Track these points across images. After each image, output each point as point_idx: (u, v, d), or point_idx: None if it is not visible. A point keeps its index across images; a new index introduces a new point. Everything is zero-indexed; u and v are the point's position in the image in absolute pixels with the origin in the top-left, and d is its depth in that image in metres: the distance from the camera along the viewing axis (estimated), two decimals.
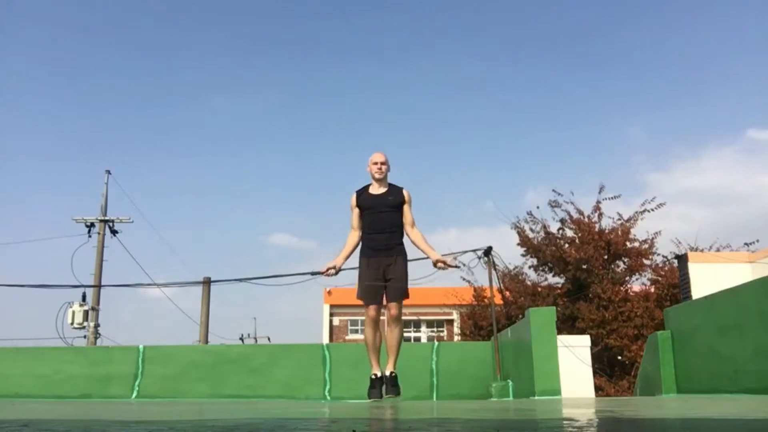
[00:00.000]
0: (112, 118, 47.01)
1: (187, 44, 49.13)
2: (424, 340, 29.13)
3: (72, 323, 20.53)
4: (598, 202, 16.12)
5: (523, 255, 16.70)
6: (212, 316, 20.05)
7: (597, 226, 15.95)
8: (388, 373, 5.78)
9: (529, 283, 16.73)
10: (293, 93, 51.77)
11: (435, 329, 30.33)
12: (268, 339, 36.29)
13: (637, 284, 16.29)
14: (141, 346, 9.99)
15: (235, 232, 54.20)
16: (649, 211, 15.95)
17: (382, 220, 5.76)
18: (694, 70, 45.16)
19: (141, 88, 48.19)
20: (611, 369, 14.97)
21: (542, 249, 16.14)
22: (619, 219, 16.08)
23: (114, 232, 22.27)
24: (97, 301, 21.53)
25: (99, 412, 3.93)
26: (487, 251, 11.91)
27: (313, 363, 9.86)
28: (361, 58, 51.17)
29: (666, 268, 16.02)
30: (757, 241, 15.04)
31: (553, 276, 16.53)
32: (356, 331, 29.22)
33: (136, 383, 9.69)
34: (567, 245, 15.99)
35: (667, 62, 45.48)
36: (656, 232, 16.00)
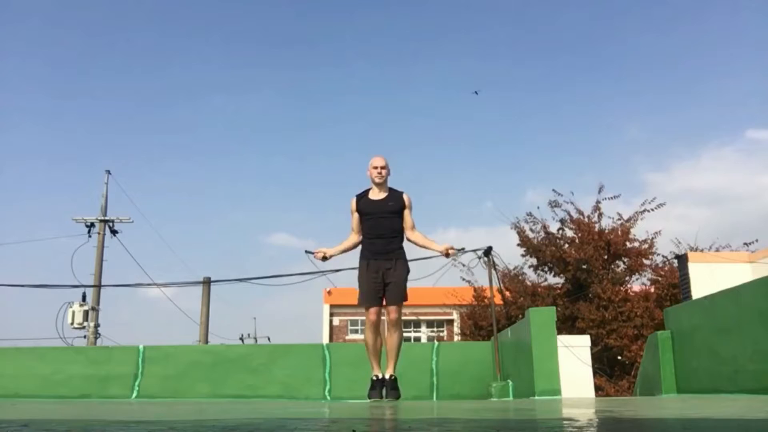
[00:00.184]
0: (112, 118, 47.04)
1: (187, 44, 49.16)
2: (424, 340, 29.12)
3: (72, 323, 20.54)
4: (598, 202, 16.14)
5: (523, 255, 16.72)
6: (212, 316, 20.06)
7: (597, 226, 15.96)
8: (387, 376, 5.79)
9: (529, 283, 16.73)
10: (293, 93, 51.80)
11: (435, 329, 30.33)
12: (268, 339, 36.33)
13: (637, 284, 16.32)
14: (141, 346, 9.99)
15: (235, 232, 54.25)
16: (648, 211, 15.97)
17: (382, 225, 5.76)
18: (693, 70, 45.19)
19: (141, 88, 48.22)
20: (611, 369, 14.98)
21: (542, 249, 16.14)
22: (618, 219, 16.10)
23: (114, 232, 22.28)
24: (97, 301, 21.54)
25: (99, 412, 3.93)
26: (487, 251, 11.91)
27: (313, 363, 9.85)
28: (361, 59, 51.20)
29: (666, 268, 16.03)
30: (757, 241, 15.06)
31: (553, 276, 16.54)
32: (356, 331, 29.22)
33: (136, 383, 9.69)
34: (567, 245, 16.00)
35: (666, 62, 45.50)
36: (656, 232, 16.03)
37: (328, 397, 9.52)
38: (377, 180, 5.81)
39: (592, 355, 11.45)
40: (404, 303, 5.77)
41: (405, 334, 21.43)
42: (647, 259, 16.05)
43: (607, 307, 15.03)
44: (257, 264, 61.45)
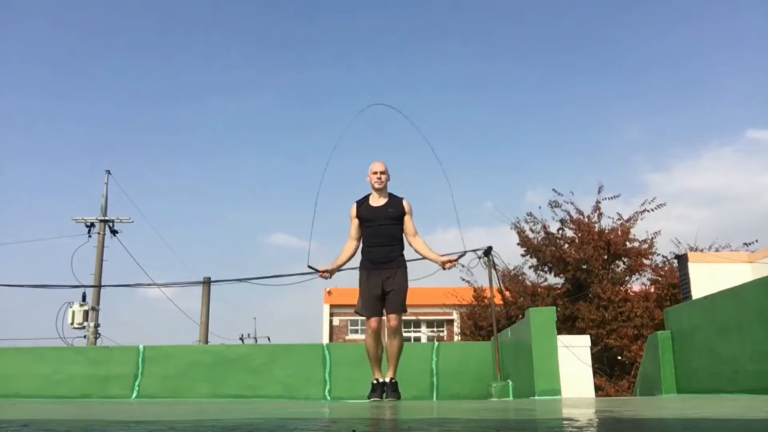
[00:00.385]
0: (112, 118, 47.03)
1: (187, 45, 49.16)
2: (424, 340, 29.12)
3: (72, 323, 20.54)
4: (598, 202, 16.14)
5: (523, 255, 16.71)
6: (212, 316, 20.07)
7: (597, 226, 15.96)
8: (388, 379, 5.80)
9: (528, 283, 16.73)
10: (293, 93, 51.81)
11: (435, 329, 30.33)
12: (268, 339, 36.33)
13: (637, 284, 16.31)
14: (141, 346, 9.99)
15: (235, 232, 54.25)
16: (648, 211, 15.97)
17: (382, 233, 5.74)
18: (693, 70, 45.19)
19: (141, 88, 48.22)
20: (611, 369, 14.98)
21: (542, 249, 16.14)
22: (618, 219, 16.10)
23: (114, 232, 22.28)
24: (97, 301, 21.54)
25: (99, 412, 3.93)
26: (487, 251, 11.91)
27: (313, 363, 9.85)
28: (362, 59, 51.19)
29: (666, 268, 16.03)
30: (757, 241, 15.06)
31: (553, 276, 16.54)
32: (356, 331, 29.23)
33: (136, 383, 9.69)
34: (567, 245, 15.99)
35: (666, 62, 45.51)
36: (656, 232, 16.02)
37: (328, 397, 9.52)
38: (377, 185, 5.78)
39: (592, 355, 11.45)
40: (404, 312, 5.76)
41: (405, 334, 21.44)
42: (647, 259, 16.05)
43: (607, 307, 15.03)
44: (257, 264, 61.48)
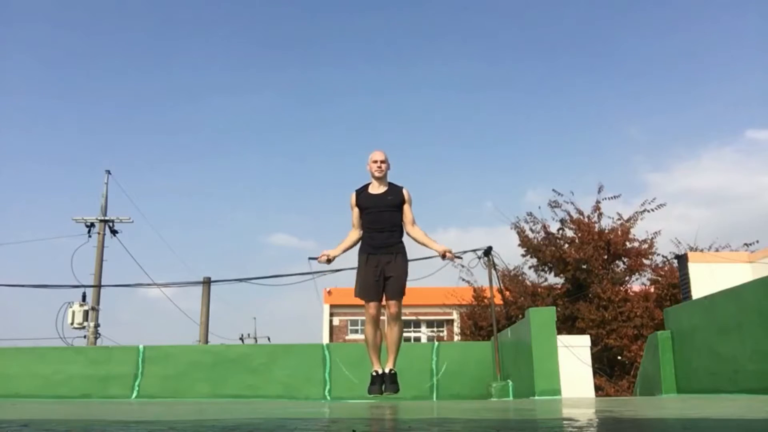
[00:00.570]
0: (112, 118, 47.02)
1: (187, 45, 49.16)
2: (424, 340, 29.12)
3: (72, 323, 20.52)
4: (598, 202, 16.13)
5: (523, 255, 16.71)
6: (212, 316, 20.07)
7: (597, 226, 15.95)
8: (387, 370, 5.79)
9: (529, 283, 16.72)
10: (293, 94, 51.80)
11: (435, 329, 30.33)
12: (268, 339, 36.34)
13: (636, 284, 16.30)
14: (141, 346, 9.99)
15: (235, 232, 54.22)
16: (648, 211, 15.95)
17: (382, 219, 5.77)
18: (693, 70, 45.19)
19: (141, 88, 48.22)
20: (611, 369, 14.97)
21: (542, 249, 16.13)
22: (618, 219, 16.08)
23: (114, 232, 22.26)
24: (97, 301, 21.53)
25: (99, 412, 3.93)
26: (487, 251, 11.91)
27: (313, 363, 9.86)
28: (362, 60, 51.19)
29: (666, 268, 16.02)
30: (757, 241, 15.04)
31: (553, 276, 16.53)
32: (356, 331, 29.23)
33: (136, 383, 9.69)
34: (567, 245, 15.98)
35: (666, 63, 45.52)
36: (656, 232, 16.01)
37: (328, 397, 9.52)
38: (377, 174, 5.81)
39: (592, 355, 11.45)
40: (403, 297, 5.77)
41: (405, 335, 21.45)
42: (647, 259, 16.04)
43: (607, 307, 15.02)
44: (257, 264, 61.47)
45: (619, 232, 15.73)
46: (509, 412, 3.72)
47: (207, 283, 19.50)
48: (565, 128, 46.98)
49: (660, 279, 15.86)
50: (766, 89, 45.44)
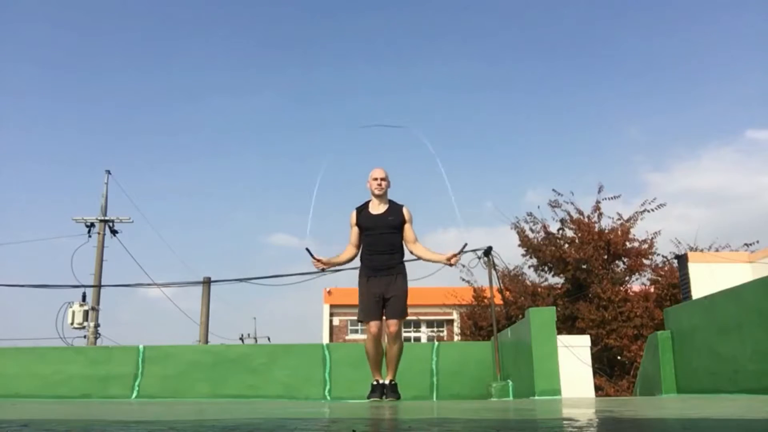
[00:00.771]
0: (111, 118, 47.03)
1: (187, 45, 49.15)
2: (424, 340, 29.13)
3: (72, 323, 20.53)
4: (598, 202, 16.14)
5: (523, 255, 16.71)
6: (212, 316, 20.08)
7: (597, 226, 15.96)
8: (388, 381, 5.81)
9: (529, 283, 16.73)
10: (293, 94, 51.80)
11: (435, 329, 30.33)
12: (268, 339, 36.36)
13: (636, 284, 16.31)
14: (141, 346, 9.99)
15: (235, 232, 54.23)
16: (648, 211, 15.96)
17: (382, 241, 5.72)
18: (693, 70, 45.19)
19: (141, 88, 48.22)
20: (611, 369, 14.98)
21: (542, 249, 16.14)
22: (618, 219, 16.09)
23: (114, 232, 22.28)
24: (97, 301, 21.54)
25: (99, 412, 3.93)
26: (487, 251, 11.91)
27: (313, 363, 9.85)
28: (361, 60, 51.19)
29: (666, 268, 16.02)
30: (757, 241, 15.04)
31: (553, 276, 16.53)
32: (356, 331, 29.22)
33: (136, 383, 9.69)
34: (567, 245, 15.99)
35: (666, 63, 45.52)
36: (656, 232, 16.02)
37: (328, 397, 9.52)
38: (377, 192, 5.76)
39: (592, 355, 11.45)
40: (404, 317, 5.76)
41: (405, 334, 21.45)
42: (647, 259, 16.04)
43: (607, 307, 15.02)
44: (257, 264, 61.45)
45: (619, 232, 15.74)
46: (509, 412, 3.72)
47: (207, 283, 19.51)
48: (565, 128, 46.99)
49: (660, 279, 15.87)
50: (766, 89, 45.45)
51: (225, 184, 53.29)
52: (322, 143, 51.34)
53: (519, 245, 16.65)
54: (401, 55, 50.89)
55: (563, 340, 9.71)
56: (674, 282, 14.83)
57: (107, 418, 3.13)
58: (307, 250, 5.69)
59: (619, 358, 15.11)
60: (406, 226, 5.77)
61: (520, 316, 11.91)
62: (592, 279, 15.45)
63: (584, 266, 15.63)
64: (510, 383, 8.85)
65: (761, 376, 5.61)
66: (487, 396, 8.98)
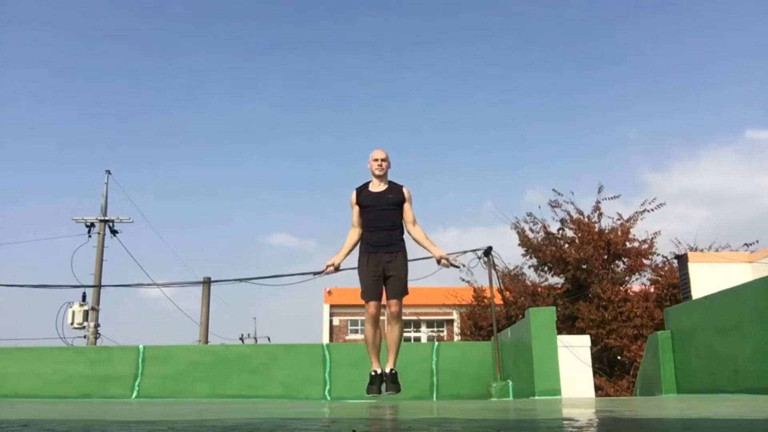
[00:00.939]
0: (111, 118, 47.03)
1: (186, 45, 49.15)
2: (424, 340, 29.12)
3: (72, 323, 20.52)
4: (598, 202, 16.13)
5: (523, 255, 16.71)
6: (212, 316, 20.06)
7: (597, 226, 15.95)
8: (388, 370, 5.78)
9: (529, 283, 16.72)
10: (293, 94, 51.81)
11: (435, 329, 30.33)
12: (268, 339, 36.35)
13: (636, 284, 16.30)
14: (141, 346, 9.99)
15: (235, 232, 54.24)
16: (648, 211, 15.96)
17: (382, 218, 5.75)
18: (693, 71, 45.20)
19: (141, 88, 48.21)
20: (611, 369, 14.97)
21: (542, 249, 16.13)
22: (618, 219, 16.09)
23: (114, 232, 22.26)
24: (97, 301, 21.52)
25: (99, 412, 3.93)
26: (487, 251, 11.91)
27: (313, 363, 9.85)
28: (361, 60, 51.18)
29: (666, 268, 16.02)
30: (757, 241, 15.04)
31: (553, 276, 16.53)
32: (356, 331, 29.21)
33: (136, 383, 9.69)
34: (567, 245, 15.99)
35: (666, 63, 45.52)
36: (656, 232, 16.02)
37: (328, 397, 9.52)
38: (377, 172, 5.79)
39: (592, 355, 11.45)
40: (405, 296, 5.75)
41: (405, 335, 21.46)
42: (647, 259, 16.04)
43: (607, 307, 15.02)
44: (257, 264, 61.47)
45: (619, 232, 15.73)
46: (509, 412, 3.71)
47: (207, 283, 19.50)
48: (565, 128, 46.99)
49: (660, 279, 15.86)
50: (766, 89, 45.45)
51: (225, 184, 53.34)
52: (322, 143, 51.38)
53: (519, 245, 16.65)
54: (401, 55, 50.92)
55: (563, 340, 9.71)
56: (674, 282, 14.83)
57: (107, 418, 3.13)
58: (315, 274, 5.73)
59: (619, 358, 15.11)
60: (406, 206, 5.80)
61: (520, 316, 11.91)
62: (592, 279, 15.45)
63: (584, 266, 15.63)
64: (510, 383, 8.85)
65: (761, 376, 5.61)
66: (487, 396, 8.98)
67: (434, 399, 9.51)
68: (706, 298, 7.02)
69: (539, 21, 46.88)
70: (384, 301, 5.72)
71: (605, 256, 15.66)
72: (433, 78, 49.88)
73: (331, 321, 30.67)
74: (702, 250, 15.08)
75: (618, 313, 14.94)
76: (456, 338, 22.05)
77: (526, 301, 15.51)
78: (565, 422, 2.64)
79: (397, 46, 49.98)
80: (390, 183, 5.87)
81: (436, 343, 10.66)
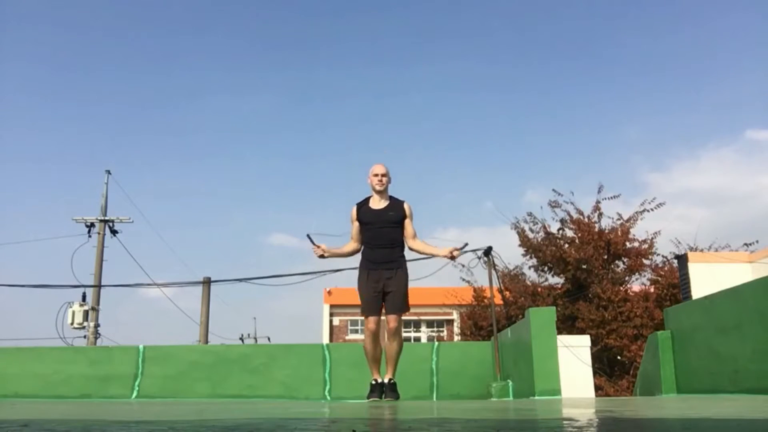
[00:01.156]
0: (112, 118, 47.03)
1: (187, 45, 49.15)
2: (424, 340, 29.12)
3: (72, 323, 20.53)
4: (598, 202, 16.14)
5: (523, 255, 16.72)
6: (212, 316, 20.08)
7: (597, 226, 15.96)
8: (387, 380, 5.79)
9: (529, 283, 16.73)
10: (293, 94, 51.80)
11: (435, 329, 30.33)
12: (268, 339, 36.37)
13: (636, 284, 16.31)
14: (141, 346, 9.99)
15: (235, 232, 54.25)
16: (648, 211, 15.97)
17: (382, 235, 5.73)
18: (693, 70, 45.20)
19: (141, 88, 48.22)
20: (611, 369, 14.98)
21: (542, 249, 16.14)
22: (618, 219, 16.10)
23: (114, 232, 22.28)
24: (97, 301, 21.53)
25: (99, 412, 3.93)
26: (487, 251, 11.91)
27: (313, 363, 9.85)
28: (361, 60, 51.19)
29: (666, 268, 16.03)
30: (757, 241, 15.05)
31: (553, 276, 16.54)
32: (356, 331, 29.22)
33: (136, 383, 9.69)
34: (567, 245, 15.99)
35: (666, 63, 45.52)
36: (656, 232, 16.03)
37: (328, 397, 9.52)
38: (377, 188, 5.77)
39: (592, 355, 11.45)
40: (405, 312, 5.74)
41: (405, 334, 21.46)
42: (647, 259, 16.05)
43: (607, 307, 15.03)
44: (257, 264, 61.47)
45: (619, 232, 15.74)
46: (509, 412, 3.71)
47: (207, 283, 19.51)
48: (565, 128, 46.99)
49: (660, 279, 15.87)
50: (766, 89, 45.45)
51: (225, 184, 53.34)
52: (322, 143, 51.37)
53: (519, 245, 16.67)
54: (401, 55, 50.92)
55: (563, 340, 9.71)
56: (674, 282, 14.83)
57: (107, 418, 3.13)
58: (309, 236, 5.69)
59: (619, 358, 15.11)
60: (407, 222, 5.79)
61: (520, 316, 11.91)
62: (592, 279, 15.45)
63: (584, 266, 15.64)
64: (510, 383, 8.85)
65: (761, 376, 5.61)
66: (487, 396, 8.98)
67: (434, 399, 9.51)
68: (706, 298, 7.02)
69: (539, 21, 46.90)
70: (383, 316, 5.73)
71: (605, 256, 15.66)
72: (433, 78, 49.89)
73: (331, 321, 30.67)
74: (702, 250, 15.09)
75: (618, 313, 14.94)
76: (456, 338, 22.05)
77: (526, 301, 15.51)
78: (565, 422, 2.64)
79: (397, 46, 49.99)
80: (391, 199, 5.84)
81: (436, 343, 10.66)
